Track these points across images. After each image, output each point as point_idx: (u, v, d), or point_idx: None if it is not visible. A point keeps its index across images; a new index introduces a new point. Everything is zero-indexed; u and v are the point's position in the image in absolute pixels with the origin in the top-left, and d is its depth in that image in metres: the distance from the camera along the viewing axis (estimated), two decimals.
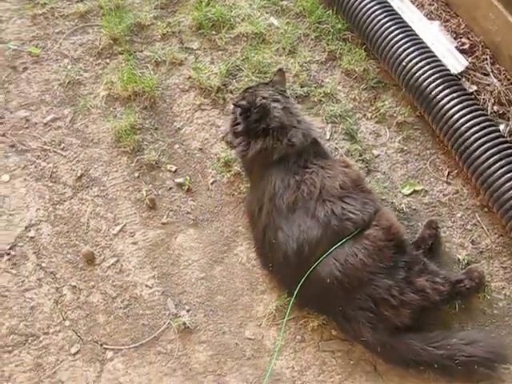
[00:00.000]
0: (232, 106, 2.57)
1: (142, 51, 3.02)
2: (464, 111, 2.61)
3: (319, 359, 2.32)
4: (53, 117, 2.83)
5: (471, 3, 2.97)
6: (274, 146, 2.39)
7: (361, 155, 2.71)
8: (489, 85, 2.88)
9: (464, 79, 2.87)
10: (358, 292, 2.23)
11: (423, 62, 2.74)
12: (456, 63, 2.88)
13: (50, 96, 2.89)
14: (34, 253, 2.51)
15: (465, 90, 2.72)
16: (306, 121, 2.51)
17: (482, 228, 2.58)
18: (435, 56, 2.79)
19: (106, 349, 2.33)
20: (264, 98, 2.45)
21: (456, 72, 2.84)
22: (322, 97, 2.85)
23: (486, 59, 2.95)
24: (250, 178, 2.55)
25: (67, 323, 2.37)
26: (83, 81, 2.93)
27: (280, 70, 2.64)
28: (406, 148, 2.77)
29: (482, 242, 2.56)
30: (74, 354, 2.32)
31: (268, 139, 2.39)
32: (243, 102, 2.44)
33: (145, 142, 2.75)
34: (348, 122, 2.79)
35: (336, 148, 2.73)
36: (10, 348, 2.32)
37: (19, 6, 3.13)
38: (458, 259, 2.50)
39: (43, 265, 2.48)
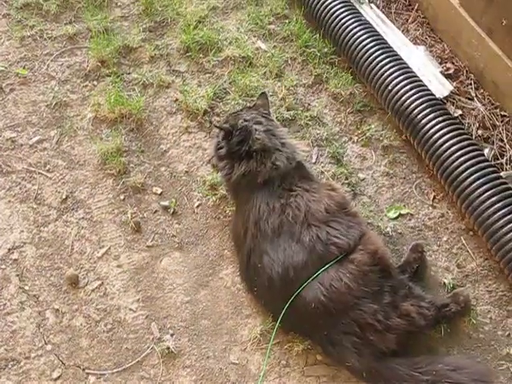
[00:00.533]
0: (215, 129, 2.57)
1: (129, 73, 3.02)
2: (449, 135, 2.62)
3: None
4: (39, 138, 2.82)
5: (455, 30, 3.01)
6: (257, 169, 2.39)
7: (347, 178, 2.72)
8: (473, 109, 2.91)
9: (449, 103, 2.90)
10: (343, 316, 2.21)
11: (409, 87, 2.77)
12: (441, 88, 2.91)
13: (36, 117, 2.88)
14: (17, 275, 2.48)
15: (450, 114, 2.75)
16: (290, 144, 2.51)
17: (468, 251, 2.59)
18: (421, 80, 2.82)
19: (88, 373, 2.30)
20: (246, 120, 2.46)
21: (441, 96, 2.87)
22: (309, 120, 2.86)
23: (471, 84, 2.99)
24: (235, 202, 2.55)
25: (49, 347, 2.34)
26: (70, 103, 2.93)
27: (263, 93, 2.65)
28: (391, 172, 2.78)
29: (468, 266, 2.56)
30: (56, 379, 2.29)
31: (251, 162, 2.40)
32: (225, 125, 2.45)
33: (131, 165, 2.74)
34: (334, 145, 2.80)
35: (322, 171, 2.73)
36: None
37: (8, 27, 3.14)
38: (444, 283, 2.50)
39: (26, 288, 2.46)
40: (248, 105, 2.75)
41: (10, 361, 2.31)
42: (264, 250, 2.30)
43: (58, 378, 2.29)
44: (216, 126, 2.51)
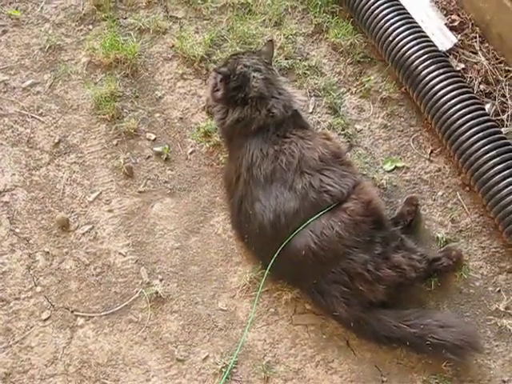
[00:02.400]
0: (213, 71, 2.52)
1: (125, 18, 2.95)
2: (449, 88, 2.56)
3: (292, 332, 2.30)
4: (32, 82, 2.77)
5: None
6: (252, 115, 2.35)
7: (343, 129, 2.68)
8: (477, 63, 2.83)
9: (452, 57, 2.83)
10: (333, 265, 2.20)
11: (410, 37, 2.69)
12: (445, 40, 2.83)
13: (29, 60, 2.83)
14: (8, 218, 2.47)
15: (452, 67, 2.68)
16: (288, 92, 2.47)
17: (463, 207, 2.56)
18: (423, 32, 2.74)
19: (76, 316, 2.31)
20: (245, 66, 2.41)
21: (444, 49, 2.79)
22: (307, 70, 2.80)
23: (476, 37, 2.91)
24: (228, 148, 2.51)
25: (39, 289, 2.35)
26: (64, 46, 2.87)
27: (270, 41, 2.61)
28: (389, 124, 2.73)
29: (462, 221, 2.53)
30: (45, 320, 2.30)
31: (246, 109, 2.36)
32: (224, 69, 2.40)
33: (125, 110, 2.70)
34: (332, 95, 2.75)
35: (318, 121, 2.69)
36: None
37: None
38: (437, 237, 2.48)
39: (17, 230, 2.45)
40: (252, 49, 2.68)
41: (0, 301, 2.31)
42: (256, 197, 2.28)
43: (47, 318, 2.30)
44: (214, 70, 2.46)
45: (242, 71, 2.39)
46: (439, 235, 2.48)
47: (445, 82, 2.58)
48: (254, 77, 2.39)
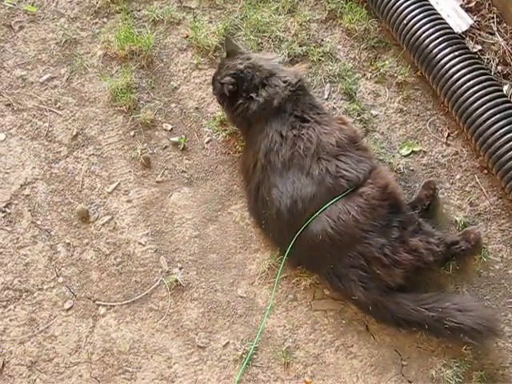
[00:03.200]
0: (216, 83, 2.51)
1: (139, 10, 2.96)
2: (465, 70, 2.54)
3: (311, 318, 2.31)
4: (49, 76, 2.81)
5: None
6: (274, 91, 2.37)
7: (359, 115, 2.66)
8: (494, 44, 2.80)
9: (468, 38, 2.79)
10: (350, 250, 2.21)
11: (425, 20, 2.67)
12: (460, 22, 2.79)
13: (46, 55, 2.86)
14: (29, 210, 2.51)
15: (468, 49, 2.65)
16: (286, 67, 2.56)
17: (481, 190, 2.54)
18: (439, 14, 2.71)
19: (98, 305, 2.35)
20: (240, 63, 2.45)
21: (460, 31, 2.76)
22: (321, 56, 2.79)
23: (493, 18, 2.87)
24: (246, 136, 2.52)
25: (61, 280, 2.39)
26: (80, 40, 2.89)
27: (226, 37, 2.67)
28: (405, 108, 2.71)
29: (481, 204, 2.51)
30: (67, 310, 2.34)
31: (267, 88, 2.39)
32: (228, 79, 2.41)
33: (141, 101, 2.72)
34: (347, 81, 2.74)
35: (334, 107, 2.68)
36: (5, 303, 2.35)
37: None
38: (456, 221, 2.47)
39: (38, 222, 2.49)
40: (223, 57, 2.67)
41: (24, 292, 2.36)
42: (273, 183, 2.29)
43: (70, 308, 2.34)
44: (218, 82, 2.47)
45: (245, 65, 2.43)
46: (457, 219, 2.47)
47: (461, 65, 2.56)
48: (257, 59, 2.46)
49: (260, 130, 2.38)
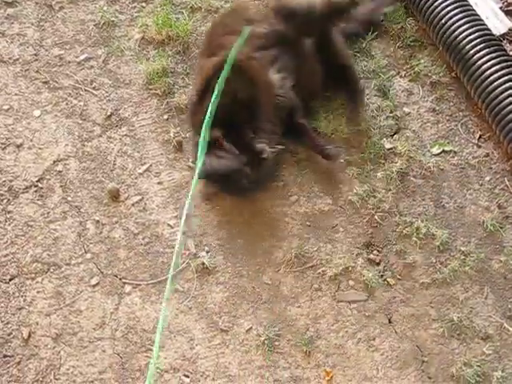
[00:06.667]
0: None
1: None
2: (501, 72, 2.55)
3: (334, 309, 2.33)
4: (86, 56, 2.84)
5: None
6: None
7: (391, 112, 2.68)
8: None
9: (506, 41, 2.78)
10: None
11: (463, 21, 2.67)
12: (499, 24, 2.79)
13: (84, 36, 2.89)
14: (61, 186, 2.55)
15: (505, 51, 2.65)
16: None
17: (511, 193, 2.54)
18: (477, 16, 2.72)
19: (124, 283, 2.38)
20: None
21: (498, 34, 2.75)
22: (357, 52, 2.80)
23: None
24: None
25: (88, 256, 2.42)
26: (118, 23, 2.93)
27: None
28: (438, 108, 2.71)
29: (509, 207, 2.51)
30: (94, 286, 2.37)
31: None
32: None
33: (176, 86, 2.74)
34: (381, 78, 2.75)
35: (367, 103, 2.69)
36: (33, 275, 2.38)
37: None
38: (483, 221, 2.47)
39: (69, 198, 2.52)
40: None
41: (52, 265, 2.40)
42: None
43: (96, 284, 2.37)
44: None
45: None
46: (485, 220, 2.47)
47: (497, 67, 2.56)
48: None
49: None
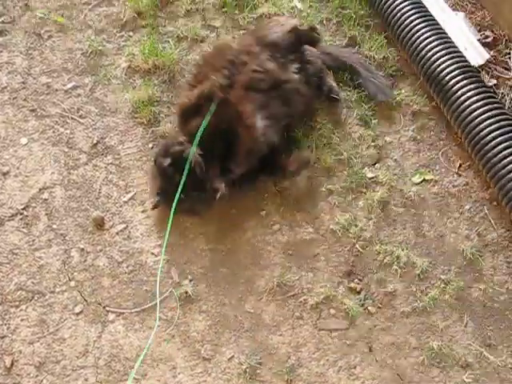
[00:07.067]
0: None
1: (164, 26, 3.04)
2: (479, 104, 2.60)
3: (316, 337, 2.35)
4: (73, 85, 2.89)
5: None
6: None
7: (373, 141, 2.72)
8: (509, 79, 2.86)
9: (484, 72, 2.86)
10: None
11: (443, 52, 2.74)
12: (477, 56, 2.86)
13: (72, 64, 2.94)
14: (46, 214, 2.57)
15: (483, 82, 2.71)
16: None
17: (490, 221, 2.58)
18: (456, 47, 2.78)
19: (108, 311, 2.40)
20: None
21: (476, 65, 2.82)
22: (339, 81, 2.85)
23: (509, 53, 2.93)
24: None
25: (73, 284, 2.44)
26: (105, 52, 2.98)
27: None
28: (419, 137, 2.77)
29: (488, 236, 2.55)
30: (78, 314, 2.39)
31: None
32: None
33: (161, 115, 2.79)
34: (363, 107, 2.80)
35: (349, 133, 2.74)
36: (17, 303, 2.40)
37: None
38: (463, 250, 2.51)
39: (54, 226, 2.55)
40: None
41: (36, 293, 2.42)
42: None
43: (80, 312, 2.39)
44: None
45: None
46: (465, 248, 2.51)
47: (475, 98, 2.62)
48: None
49: None
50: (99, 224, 2.54)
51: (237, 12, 3.07)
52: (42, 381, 2.27)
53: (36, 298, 2.41)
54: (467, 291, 2.44)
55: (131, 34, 3.04)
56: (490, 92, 2.69)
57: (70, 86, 2.89)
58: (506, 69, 2.90)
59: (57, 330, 2.35)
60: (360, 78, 2.82)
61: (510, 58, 2.91)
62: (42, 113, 2.81)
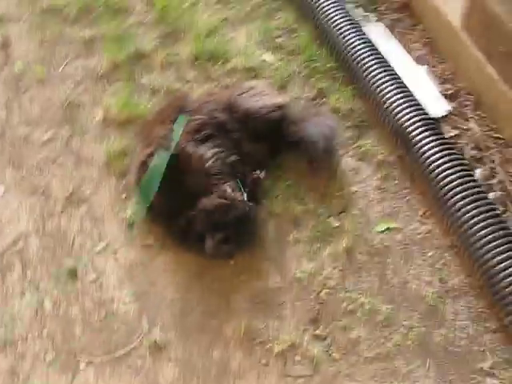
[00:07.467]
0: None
1: (140, 78, 3.17)
2: (439, 155, 2.72)
3: None
4: (50, 136, 2.98)
5: (456, 52, 3.10)
6: None
7: (339, 191, 2.83)
8: (469, 130, 2.99)
9: (445, 124, 2.99)
10: None
11: (405, 105, 2.87)
12: (438, 108, 3.00)
13: (49, 115, 3.04)
14: (21, 264, 2.63)
15: (442, 133, 2.84)
16: None
17: (451, 268, 2.67)
18: (417, 100, 2.92)
19: (79, 360, 2.44)
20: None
21: (437, 116, 2.96)
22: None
23: (469, 106, 3.07)
24: None
25: (45, 332, 2.49)
26: (82, 103, 3.08)
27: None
28: (383, 186, 2.87)
29: (450, 282, 2.64)
30: (49, 363, 2.43)
31: None
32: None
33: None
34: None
35: (316, 184, 2.84)
36: None
37: (30, 29, 3.32)
38: (425, 296, 2.59)
39: (28, 275, 2.61)
40: None
41: (8, 342, 2.46)
42: None
43: (51, 361, 2.43)
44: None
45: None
46: (427, 294, 2.59)
47: (436, 149, 2.74)
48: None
49: None
50: (72, 274, 2.61)
51: (209, 65, 3.20)
52: None
53: (8, 347, 2.45)
54: (429, 336, 2.50)
55: (108, 86, 3.15)
56: (449, 143, 2.81)
57: (46, 136, 2.98)
58: (465, 120, 3.03)
59: (27, 380, 2.39)
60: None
61: (469, 109, 3.05)
62: (18, 163, 2.89)
